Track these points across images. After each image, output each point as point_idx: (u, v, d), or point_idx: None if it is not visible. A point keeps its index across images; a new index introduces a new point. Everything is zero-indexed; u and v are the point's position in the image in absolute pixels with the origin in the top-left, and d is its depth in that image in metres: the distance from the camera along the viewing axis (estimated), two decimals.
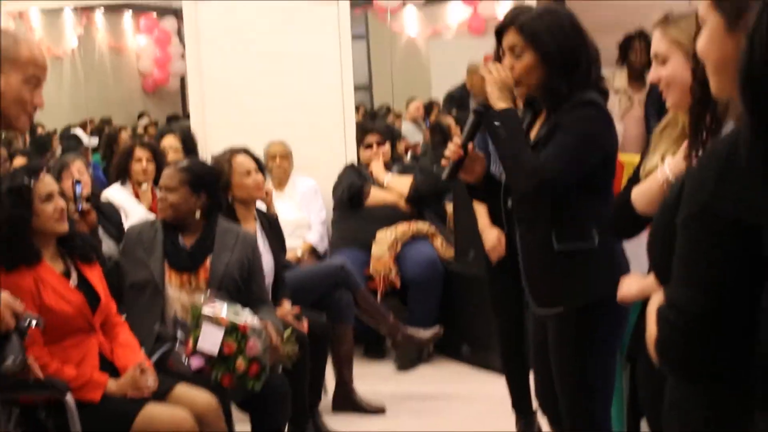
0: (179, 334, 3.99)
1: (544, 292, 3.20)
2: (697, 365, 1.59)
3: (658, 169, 2.71)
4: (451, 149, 3.18)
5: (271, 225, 5.04)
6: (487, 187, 3.31)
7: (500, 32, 3.20)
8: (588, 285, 3.12)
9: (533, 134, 3.21)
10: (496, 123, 3.07)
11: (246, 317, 3.99)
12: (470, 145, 3.20)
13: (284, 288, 4.93)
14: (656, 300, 1.81)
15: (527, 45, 3.09)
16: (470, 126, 3.21)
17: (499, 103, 3.09)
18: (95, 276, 3.79)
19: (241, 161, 4.94)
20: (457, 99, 9.71)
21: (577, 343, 3.17)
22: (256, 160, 5.11)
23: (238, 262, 4.27)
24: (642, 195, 2.76)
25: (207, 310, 3.94)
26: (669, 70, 2.66)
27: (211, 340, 3.92)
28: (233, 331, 3.93)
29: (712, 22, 1.56)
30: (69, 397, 3.43)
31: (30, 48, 2.93)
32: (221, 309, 3.99)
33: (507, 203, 3.27)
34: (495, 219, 4.38)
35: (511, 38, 3.13)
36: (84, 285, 3.72)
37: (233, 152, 4.98)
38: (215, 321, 3.93)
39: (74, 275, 3.72)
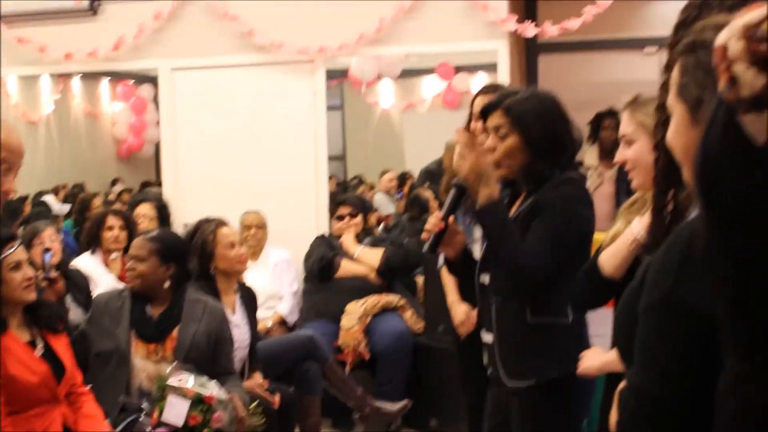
0: (144, 404, 3.96)
1: (516, 364, 3.17)
2: None
3: (626, 230, 2.73)
4: (432, 222, 3.20)
5: (250, 298, 5.02)
6: (464, 261, 3.33)
7: (486, 112, 3.24)
8: (560, 358, 3.10)
9: (513, 209, 3.23)
10: (483, 222, 3.07)
11: (212, 389, 3.96)
12: (451, 219, 3.23)
13: (257, 360, 4.91)
14: (622, 385, 1.83)
15: (513, 128, 3.13)
16: (451, 199, 3.23)
17: (481, 197, 3.05)
18: (61, 346, 3.76)
19: (226, 233, 4.91)
20: (433, 174, 9.76)
21: (544, 417, 3.16)
22: None
23: (205, 333, 4.25)
24: (610, 257, 2.78)
25: (173, 381, 3.91)
26: (634, 152, 2.69)
27: (176, 411, 3.89)
28: (199, 402, 3.92)
29: (677, 111, 1.58)
30: None
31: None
32: (188, 380, 3.96)
33: (480, 278, 3.28)
34: (466, 294, 4.38)
35: (497, 119, 3.17)
36: (49, 355, 3.69)
37: (218, 224, 4.96)
38: (181, 392, 3.91)
39: (40, 345, 3.69)
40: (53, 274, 4.51)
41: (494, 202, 3.05)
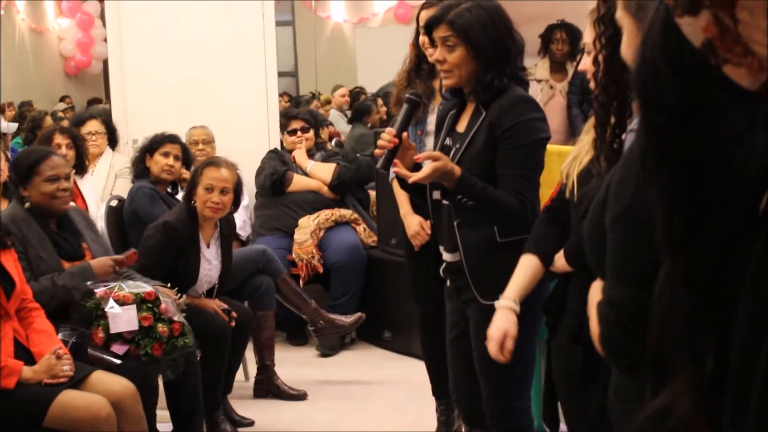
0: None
1: (490, 283, 3.16)
2: (638, 358, 1.64)
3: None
4: (386, 138, 3.17)
5: (230, 232, 5.01)
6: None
7: (430, 26, 3.24)
8: None
9: (463, 125, 3.26)
10: (461, 198, 3.09)
11: (143, 285, 4.08)
12: (404, 135, 3.21)
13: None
14: (596, 294, 1.87)
15: (459, 39, 3.15)
16: (404, 114, 3.25)
17: (449, 184, 3.07)
18: (10, 261, 3.72)
19: (209, 175, 4.69)
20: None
21: None
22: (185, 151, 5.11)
23: (99, 239, 4.36)
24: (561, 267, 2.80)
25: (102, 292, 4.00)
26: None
27: (124, 319, 3.94)
28: (142, 302, 4.00)
29: (626, 24, 1.58)
30: None
31: None
32: (118, 287, 4.04)
33: (432, 195, 3.31)
34: (417, 207, 4.41)
35: (442, 32, 3.18)
36: None
37: (209, 162, 4.84)
38: (119, 301, 3.98)
39: None
40: None
41: (462, 181, 3.06)
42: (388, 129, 3.22)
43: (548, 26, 7.04)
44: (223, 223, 4.90)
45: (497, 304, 2.86)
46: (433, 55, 3.23)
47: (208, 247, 4.80)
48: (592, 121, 2.83)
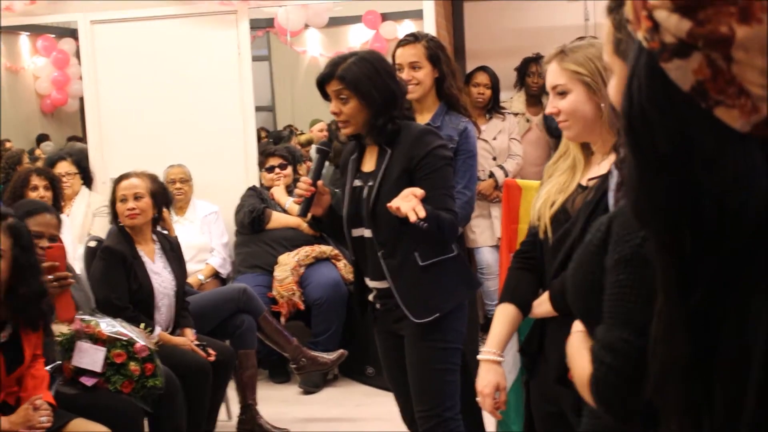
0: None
1: (419, 305, 3.47)
2: (634, 405, 1.61)
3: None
4: (303, 187, 3.51)
5: (172, 248, 4.97)
6: (332, 219, 3.63)
7: (322, 82, 3.50)
8: (457, 287, 3.54)
9: (370, 164, 3.55)
10: (424, 225, 3.27)
11: (118, 326, 4.11)
12: (319, 182, 3.55)
13: (187, 315, 4.89)
14: (576, 340, 1.84)
15: (350, 92, 3.44)
16: (317, 163, 3.59)
17: (412, 216, 3.23)
18: (31, 339, 3.66)
19: (121, 186, 4.83)
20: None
21: (440, 345, 3.51)
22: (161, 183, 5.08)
23: (78, 283, 4.41)
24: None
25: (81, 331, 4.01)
26: (570, 103, 2.65)
27: (90, 358, 3.93)
28: (115, 341, 4.05)
29: (616, 68, 1.55)
30: None
31: None
32: (99, 324, 4.09)
33: (352, 232, 3.57)
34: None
35: (334, 86, 3.46)
36: (12, 344, 3.59)
37: (122, 177, 4.90)
38: (95, 337, 4.05)
39: (6, 332, 3.60)
40: None
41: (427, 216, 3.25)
42: (304, 178, 3.54)
43: (524, 59, 7.08)
44: (161, 237, 4.95)
45: (480, 357, 2.89)
46: (331, 108, 3.51)
47: (153, 262, 4.79)
48: (556, 160, 2.82)
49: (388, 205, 3.25)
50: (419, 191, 3.24)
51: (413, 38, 4.30)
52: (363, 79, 3.43)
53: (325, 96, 3.54)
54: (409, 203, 3.20)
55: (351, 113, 3.46)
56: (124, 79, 7.01)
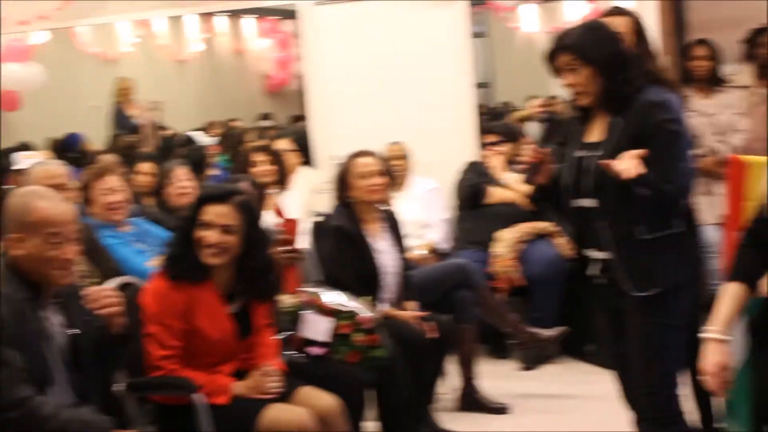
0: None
1: (643, 277, 3.40)
2: None
3: None
4: (530, 154, 3.54)
5: (395, 225, 5.05)
6: (554, 188, 3.60)
7: (552, 57, 3.48)
8: (681, 263, 3.44)
9: (596, 134, 3.49)
10: (639, 190, 3.29)
11: (342, 299, 4.21)
12: (546, 150, 3.56)
13: (411, 290, 4.96)
14: None
15: (581, 61, 3.41)
16: (544, 132, 3.47)
17: (629, 174, 3.24)
18: (261, 311, 3.83)
19: (361, 163, 4.92)
20: None
21: (662, 321, 3.42)
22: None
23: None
24: None
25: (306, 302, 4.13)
26: None
27: (316, 328, 4.02)
28: (340, 313, 4.13)
29: None
30: (198, 397, 3.51)
31: (42, 209, 3.01)
32: (323, 296, 4.18)
33: (573, 203, 3.53)
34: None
35: (565, 59, 3.45)
36: (242, 315, 3.76)
37: (357, 154, 4.98)
38: (321, 309, 4.12)
39: (237, 304, 3.76)
40: None
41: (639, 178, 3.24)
42: (530, 146, 3.46)
43: (752, 30, 6.77)
44: (385, 215, 5.00)
45: (705, 336, 2.85)
46: (564, 81, 3.48)
47: (379, 240, 4.87)
48: None
49: (605, 162, 3.25)
50: (641, 151, 3.22)
51: (617, 12, 4.25)
52: (592, 46, 3.42)
53: (553, 71, 3.51)
54: (627, 163, 3.20)
55: (585, 82, 3.43)
56: (344, 59, 7.15)
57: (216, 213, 3.64)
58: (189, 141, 10.26)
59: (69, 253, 3.05)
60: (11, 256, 3.04)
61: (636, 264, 3.42)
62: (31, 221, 2.99)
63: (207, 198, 3.72)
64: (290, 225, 4.21)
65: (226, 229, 3.63)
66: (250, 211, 3.73)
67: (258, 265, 3.74)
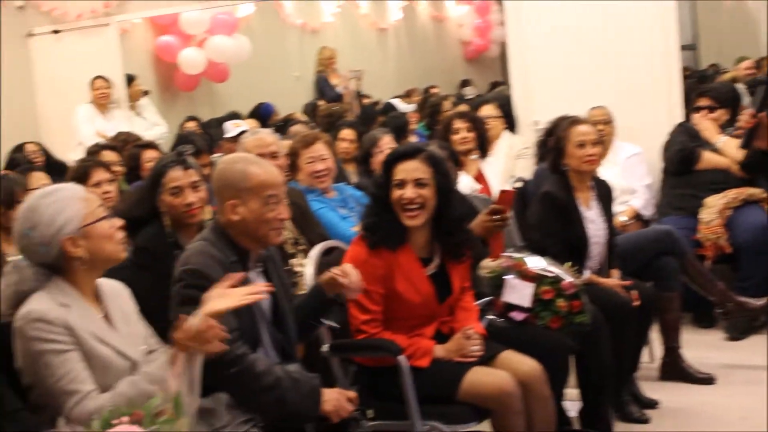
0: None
1: None
2: None
3: None
4: (745, 119, 3.19)
5: (606, 194, 4.98)
6: None
7: None
8: None
9: None
10: None
11: (545, 264, 4.16)
12: (763, 114, 3.19)
13: (615, 258, 4.91)
14: None
15: None
16: (764, 95, 3.25)
17: None
18: (459, 270, 3.87)
19: (579, 131, 4.81)
20: None
21: None
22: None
23: None
24: None
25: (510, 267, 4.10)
26: None
27: (519, 293, 4.02)
28: (543, 278, 4.09)
29: None
30: (402, 359, 3.58)
31: (258, 174, 3.18)
32: (525, 261, 4.15)
33: None
34: None
35: None
36: (440, 276, 3.80)
37: (573, 121, 4.91)
38: (523, 274, 4.09)
39: (434, 264, 3.82)
40: None
41: None
42: (747, 110, 3.26)
43: None
44: (597, 183, 4.93)
45: None
46: None
47: (589, 209, 4.82)
48: None
49: None
50: None
51: None
52: None
53: None
54: None
55: None
56: (547, 24, 7.09)
57: (406, 170, 3.72)
58: (389, 108, 10.39)
59: (284, 213, 3.21)
60: (224, 221, 3.19)
61: None
62: (250, 186, 3.16)
63: (395, 157, 3.80)
64: (506, 196, 4.25)
65: (419, 182, 3.70)
66: (439, 162, 3.78)
67: (454, 215, 3.79)
